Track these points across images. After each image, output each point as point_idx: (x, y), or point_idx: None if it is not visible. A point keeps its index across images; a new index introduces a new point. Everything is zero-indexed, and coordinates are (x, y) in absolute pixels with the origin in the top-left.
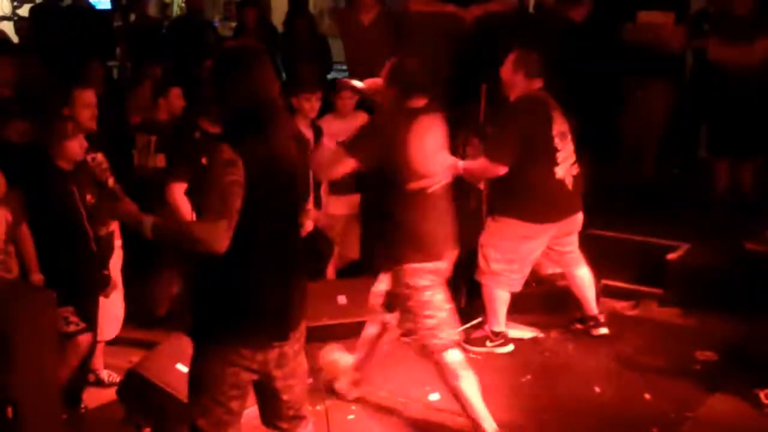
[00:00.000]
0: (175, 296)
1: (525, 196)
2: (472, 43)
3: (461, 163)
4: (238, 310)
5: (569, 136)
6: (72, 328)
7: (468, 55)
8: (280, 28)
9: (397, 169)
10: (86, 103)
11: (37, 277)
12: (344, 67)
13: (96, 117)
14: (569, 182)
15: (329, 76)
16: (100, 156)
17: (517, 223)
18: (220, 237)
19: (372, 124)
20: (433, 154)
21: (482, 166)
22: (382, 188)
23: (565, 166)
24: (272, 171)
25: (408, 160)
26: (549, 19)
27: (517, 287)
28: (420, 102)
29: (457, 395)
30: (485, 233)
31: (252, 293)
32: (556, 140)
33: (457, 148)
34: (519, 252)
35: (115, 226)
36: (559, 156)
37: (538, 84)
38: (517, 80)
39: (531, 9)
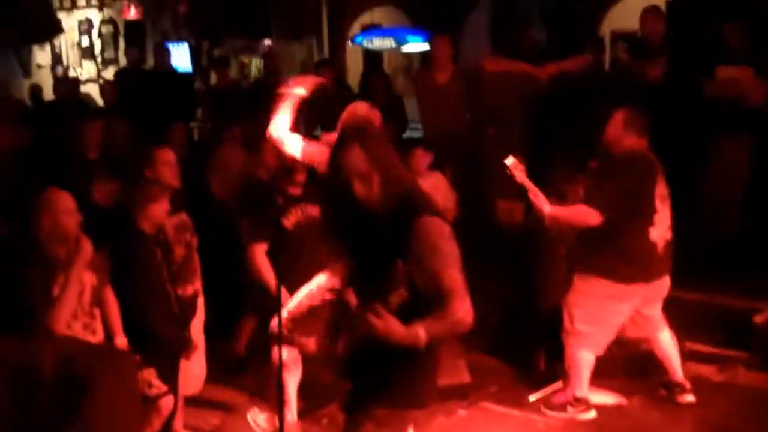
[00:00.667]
0: (254, 340)
1: (615, 255)
2: (547, 102)
3: (548, 208)
4: (418, 378)
5: (668, 201)
6: (154, 391)
7: (545, 113)
8: (355, 88)
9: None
10: (166, 161)
11: (122, 341)
12: (419, 126)
13: (178, 175)
14: (661, 246)
15: (404, 136)
16: (185, 216)
17: (606, 283)
18: (471, 310)
19: None
20: None
21: (575, 214)
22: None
23: (660, 230)
24: None
25: None
26: (626, 77)
27: (601, 350)
28: None
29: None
30: (571, 292)
31: (432, 359)
32: (657, 202)
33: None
34: (605, 313)
35: (198, 285)
36: (657, 218)
37: (644, 143)
38: (627, 137)
39: (606, 67)
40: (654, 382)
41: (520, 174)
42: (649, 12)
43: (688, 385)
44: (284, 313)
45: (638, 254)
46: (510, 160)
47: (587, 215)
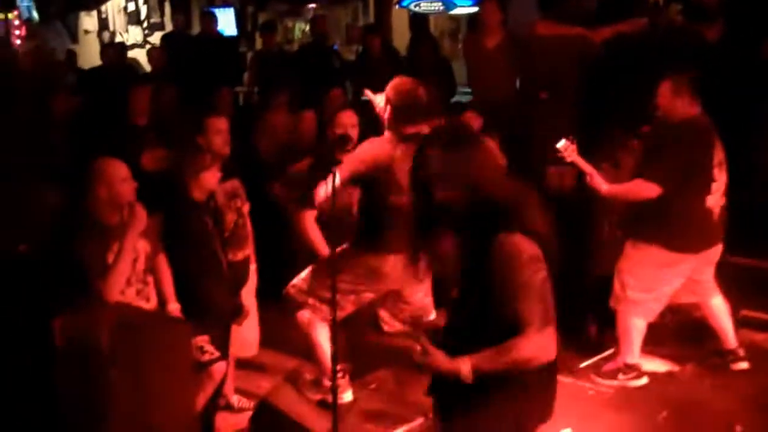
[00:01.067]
0: None
1: (673, 223)
2: (602, 66)
3: (605, 187)
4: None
5: (725, 166)
6: (207, 357)
7: (598, 78)
8: (402, 51)
9: (381, 183)
10: (218, 129)
11: (174, 307)
12: (468, 90)
13: (228, 142)
14: (716, 213)
15: (453, 100)
16: (236, 182)
17: (660, 251)
18: (551, 346)
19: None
20: None
21: (634, 189)
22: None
23: (717, 197)
24: (550, 253)
25: (393, 176)
26: (682, 38)
27: (653, 317)
28: (414, 129)
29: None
30: (623, 259)
31: (521, 397)
32: (715, 170)
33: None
34: (658, 280)
35: (250, 251)
36: (714, 186)
37: (698, 108)
38: (679, 105)
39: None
40: (707, 349)
41: (573, 155)
42: None
43: (741, 352)
44: (298, 280)
45: (695, 224)
46: (562, 143)
47: (646, 189)
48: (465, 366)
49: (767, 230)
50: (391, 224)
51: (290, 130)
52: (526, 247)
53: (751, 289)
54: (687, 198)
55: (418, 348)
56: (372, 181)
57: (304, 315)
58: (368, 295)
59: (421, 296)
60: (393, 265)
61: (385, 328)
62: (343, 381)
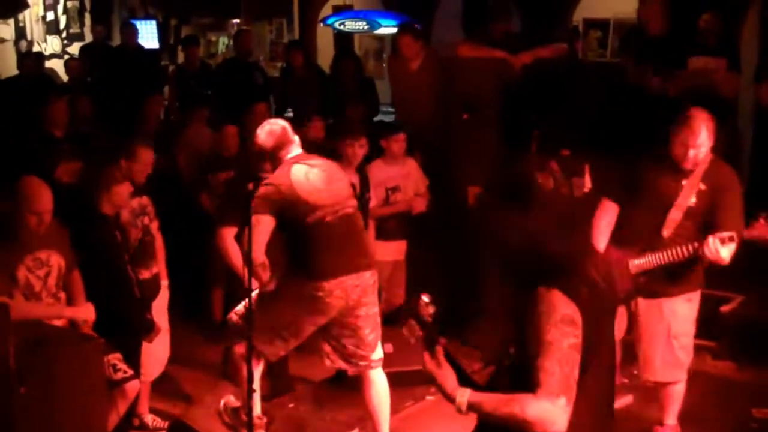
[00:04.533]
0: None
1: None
2: (522, 90)
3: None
4: None
5: None
6: (120, 375)
7: (518, 101)
8: (326, 70)
9: (295, 208)
10: (144, 161)
11: (86, 325)
12: (391, 109)
13: (147, 174)
14: None
15: (376, 119)
16: (145, 200)
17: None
18: (560, 417)
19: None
20: (321, 188)
21: None
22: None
23: None
24: (602, 317)
25: (300, 198)
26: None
27: None
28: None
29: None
30: (674, 323)
31: None
32: None
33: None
34: None
35: (159, 267)
36: None
37: None
38: None
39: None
40: (627, 366)
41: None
42: None
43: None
44: (241, 307)
45: None
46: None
47: None
48: (464, 396)
49: None
50: (317, 246)
51: (211, 145)
52: (562, 307)
53: None
54: None
55: (433, 356)
56: (286, 209)
57: (241, 348)
58: (309, 327)
59: (367, 332)
60: (329, 291)
61: (327, 363)
62: (259, 422)
